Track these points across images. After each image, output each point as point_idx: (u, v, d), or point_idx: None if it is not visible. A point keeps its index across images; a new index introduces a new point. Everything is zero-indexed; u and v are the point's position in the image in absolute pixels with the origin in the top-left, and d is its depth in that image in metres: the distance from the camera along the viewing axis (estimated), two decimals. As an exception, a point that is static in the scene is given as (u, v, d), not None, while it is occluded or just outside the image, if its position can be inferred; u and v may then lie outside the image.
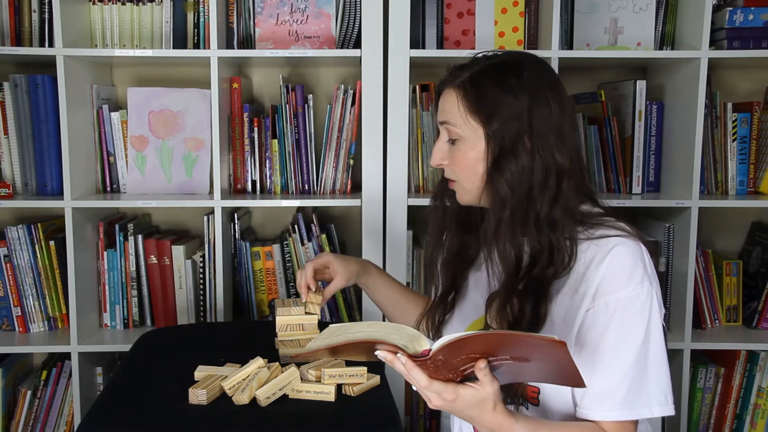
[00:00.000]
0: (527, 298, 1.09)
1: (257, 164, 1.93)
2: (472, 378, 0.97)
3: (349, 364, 1.21)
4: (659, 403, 1.06)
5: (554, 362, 0.93)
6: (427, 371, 0.95)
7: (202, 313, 1.94)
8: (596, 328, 1.07)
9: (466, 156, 1.12)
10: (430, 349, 0.92)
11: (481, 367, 0.94)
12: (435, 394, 0.96)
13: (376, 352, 0.98)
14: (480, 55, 1.15)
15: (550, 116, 1.08)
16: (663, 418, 1.34)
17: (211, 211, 1.89)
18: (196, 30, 1.92)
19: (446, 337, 0.90)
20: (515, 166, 1.08)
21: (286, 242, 1.94)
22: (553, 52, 1.78)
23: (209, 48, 1.79)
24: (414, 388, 0.98)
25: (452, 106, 1.12)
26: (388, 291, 1.43)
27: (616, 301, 1.05)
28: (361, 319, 1.92)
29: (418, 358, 0.93)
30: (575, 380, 0.94)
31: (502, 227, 1.09)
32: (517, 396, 1.15)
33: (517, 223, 1.08)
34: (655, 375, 1.06)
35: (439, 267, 1.28)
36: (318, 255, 1.38)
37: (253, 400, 1.12)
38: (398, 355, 0.95)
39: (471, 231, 1.24)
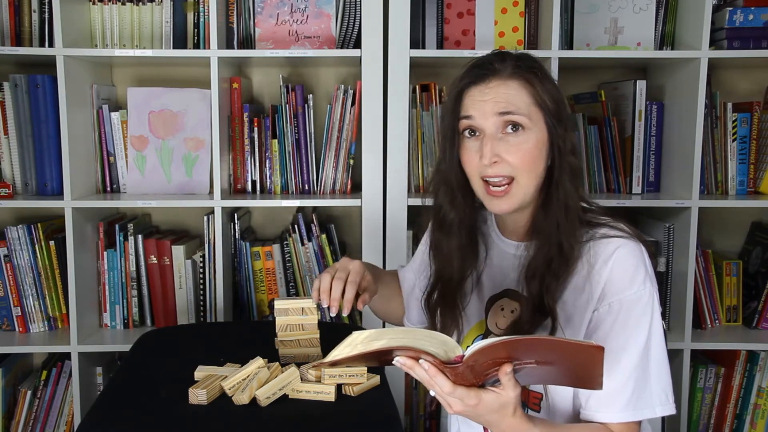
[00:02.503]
0: (542, 300, 1.09)
1: (257, 164, 1.93)
2: (490, 381, 0.96)
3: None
4: (661, 403, 1.07)
5: (581, 366, 0.92)
6: (451, 377, 0.93)
7: (202, 313, 1.94)
8: (601, 329, 1.07)
9: (532, 147, 1.08)
10: (463, 355, 0.90)
11: (506, 372, 0.92)
12: (457, 399, 0.94)
13: (395, 359, 0.95)
14: (515, 51, 1.14)
15: (570, 118, 1.15)
16: (663, 419, 1.34)
17: (211, 211, 1.89)
18: (196, 30, 1.92)
19: (481, 343, 0.88)
20: (572, 162, 1.11)
21: (286, 242, 1.94)
22: (553, 52, 1.78)
23: (209, 48, 1.79)
24: (432, 393, 0.96)
25: (515, 95, 1.08)
26: (389, 292, 1.41)
27: (620, 302, 1.06)
28: (361, 319, 1.92)
29: (449, 365, 0.91)
30: (594, 383, 0.93)
31: (571, 219, 1.10)
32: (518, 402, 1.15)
33: (574, 218, 1.10)
34: (656, 375, 1.07)
35: (445, 297, 1.22)
36: (348, 268, 1.21)
37: (253, 400, 1.12)
38: (421, 361, 0.93)
39: (474, 256, 1.22)
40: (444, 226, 1.19)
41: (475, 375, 0.94)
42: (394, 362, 0.96)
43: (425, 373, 0.93)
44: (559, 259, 1.09)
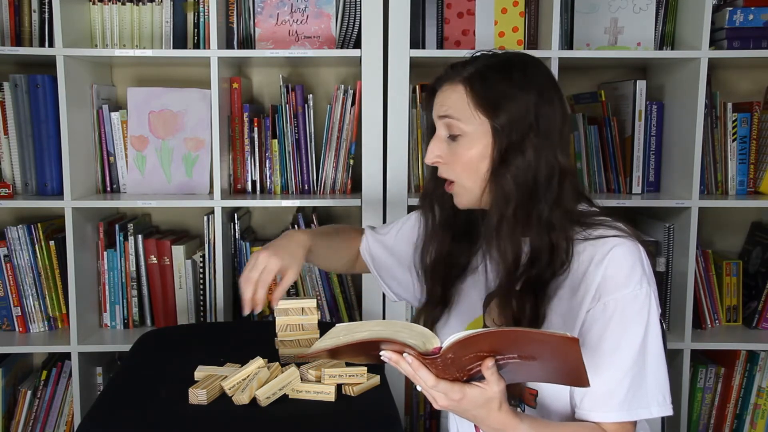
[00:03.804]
0: (526, 298, 1.09)
1: (257, 164, 1.93)
2: (476, 378, 0.96)
3: (349, 364, 1.21)
4: (657, 404, 1.06)
5: (562, 360, 0.92)
6: (434, 371, 0.94)
7: (202, 313, 1.94)
8: (596, 328, 1.07)
9: (469, 152, 1.09)
10: (441, 347, 0.91)
11: (488, 366, 0.93)
12: (441, 394, 0.95)
13: (381, 353, 0.96)
14: (479, 53, 1.15)
15: (553, 115, 1.09)
16: (663, 419, 1.34)
17: (211, 211, 1.89)
18: (196, 30, 1.92)
19: (458, 335, 0.89)
20: (521, 161, 1.07)
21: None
22: (553, 52, 1.78)
23: (209, 48, 1.79)
24: (418, 388, 0.97)
25: (457, 100, 1.09)
26: (327, 251, 1.39)
27: (615, 301, 1.05)
28: (361, 319, 1.92)
29: (428, 357, 0.92)
30: (580, 379, 0.93)
31: (504, 225, 1.08)
32: (514, 398, 1.15)
33: (519, 222, 1.08)
34: (653, 375, 1.06)
35: (426, 273, 1.26)
36: (264, 265, 1.20)
37: (253, 400, 1.12)
38: (404, 354, 0.94)
39: (461, 238, 1.22)
40: (426, 216, 1.24)
41: (458, 369, 0.94)
42: (380, 356, 0.97)
43: (409, 367, 0.94)
44: (548, 255, 1.09)
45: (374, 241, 1.42)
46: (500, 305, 1.11)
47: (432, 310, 1.25)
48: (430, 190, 1.22)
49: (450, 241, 1.22)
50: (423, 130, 1.89)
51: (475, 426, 1.19)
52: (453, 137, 1.11)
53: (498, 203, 1.09)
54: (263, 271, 1.21)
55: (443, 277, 1.24)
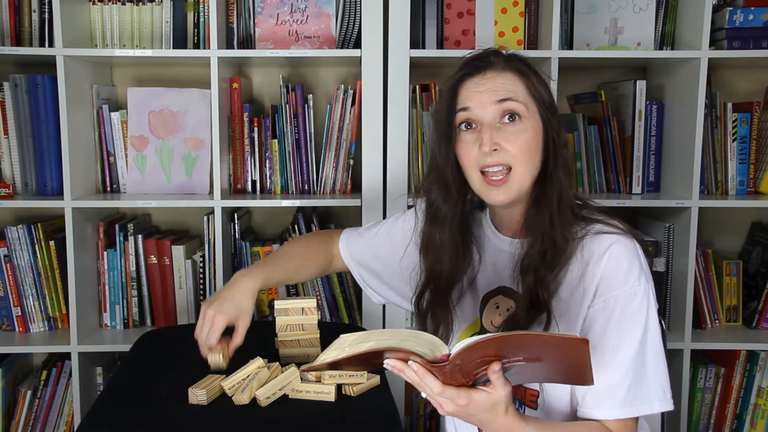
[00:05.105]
0: (536, 296, 1.09)
1: (257, 164, 1.93)
2: (480, 381, 0.96)
3: (349, 366, 1.21)
4: (659, 399, 1.07)
5: (569, 361, 0.92)
6: (440, 377, 0.93)
7: (202, 313, 1.94)
8: (596, 327, 1.07)
9: (526, 134, 1.09)
10: (450, 354, 0.90)
11: (495, 370, 0.92)
12: (448, 400, 0.94)
13: (385, 362, 0.95)
14: (490, 49, 1.15)
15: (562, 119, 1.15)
16: (663, 418, 1.34)
17: (211, 211, 1.89)
18: (196, 30, 1.92)
19: (467, 340, 0.88)
20: (565, 156, 1.12)
21: (286, 242, 1.94)
22: (553, 52, 1.78)
23: (209, 48, 1.79)
24: (423, 395, 0.97)
25: (513, 85, 1.10)
26: (285, 276, 1.37)
27: (615, 299, 1.06)
28: (361, 319, 1.92)
29: (436, 364, 0.91)
30: (585, 378, 0.93)
31: (558, 215, 1.10)
32: (514, 400, 1.15)
33: (567, 211, 1.11)
34: (653, 371, 1.07)
35: (431, 293, 1.23)
36: (210, 324, 1.21)
37: (253, 400, 1.12)
38: (410, 362, 0.93)
39: (465, 247, 1.21)
40: (438, 221, 1.19)
41: (464, 375, 0.94)
42: (384, 365, 0.96)
43: (415, 375, 0.93)
44: (553, 252, 1.09)
45: (358, 245, 1.41)
46: (521, 305, 1.11)
47: (436, 331, 1.22)
48: (455, 182, 1.16)
49: (459, 256, 1.20)
50: (425, 130, 1.89)
51: (479, 429, 1.19)
52: (511, 119, 1.09)
53: (554, 192, 1.10)
54: (210, 330, 1.20)
55: (449, 296, 1.22)
